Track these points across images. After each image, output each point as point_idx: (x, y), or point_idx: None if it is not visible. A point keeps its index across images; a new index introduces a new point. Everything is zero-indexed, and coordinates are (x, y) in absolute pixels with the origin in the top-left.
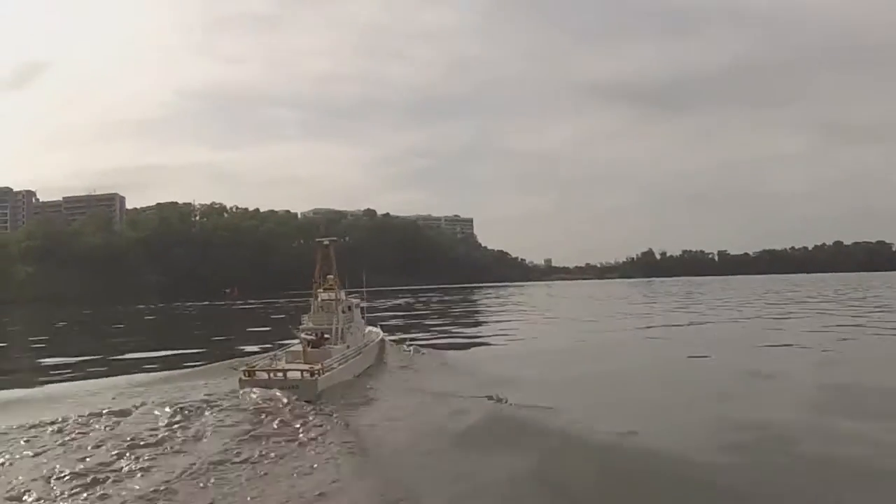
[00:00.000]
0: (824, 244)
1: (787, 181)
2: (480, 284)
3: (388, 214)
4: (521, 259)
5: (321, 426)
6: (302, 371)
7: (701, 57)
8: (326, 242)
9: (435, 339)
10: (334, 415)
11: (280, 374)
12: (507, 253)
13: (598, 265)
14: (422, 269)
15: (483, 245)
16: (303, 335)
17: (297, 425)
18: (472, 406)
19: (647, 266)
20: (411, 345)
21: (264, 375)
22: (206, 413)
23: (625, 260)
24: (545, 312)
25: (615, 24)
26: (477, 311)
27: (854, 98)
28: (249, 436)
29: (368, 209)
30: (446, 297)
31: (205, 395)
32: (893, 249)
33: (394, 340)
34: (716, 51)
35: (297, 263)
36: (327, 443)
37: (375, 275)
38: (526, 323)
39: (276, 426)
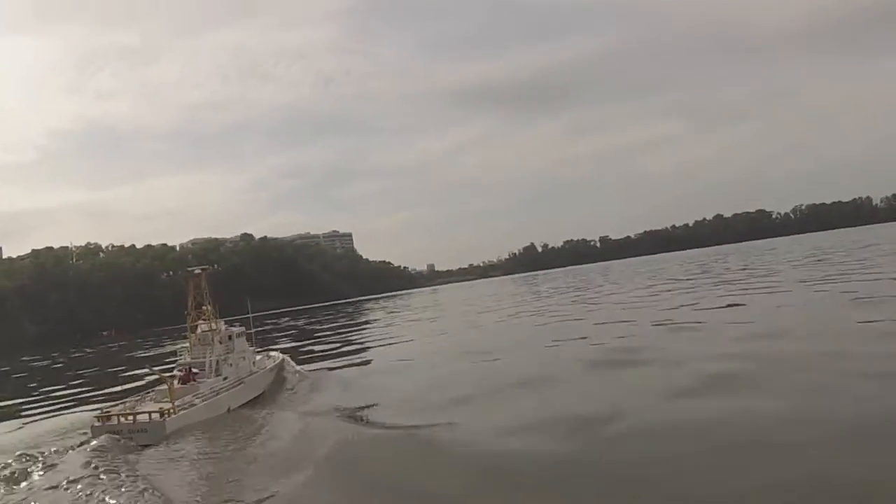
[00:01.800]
0: (704, 219)
1: (662, 164)
2: (367, 297)
3: (265, 238)
4: (405, 267)
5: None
6: (150, 413)
7: (563, 55)
8: (197, 271)
9: (323, 359)
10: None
11: (130, 418)
12: (389, 263)
13: (481, 264)
14: (305, 288)
15: (365, 258)
16: (176, 370)
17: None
18: (327, 432)
19: (530, 260)
20: (297, 371)
21: (124, 420)
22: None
23: (507, 257)
24: (429, 320)
25: (476, 31)
26: (359, 327)
27: (716, 80)
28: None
29: (245, 234)
30: (328, 315)
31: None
32: (773, 216)
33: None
34: (577, 48)
35: (176, 297)
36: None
37: (257, 300)
38: (407, 332)
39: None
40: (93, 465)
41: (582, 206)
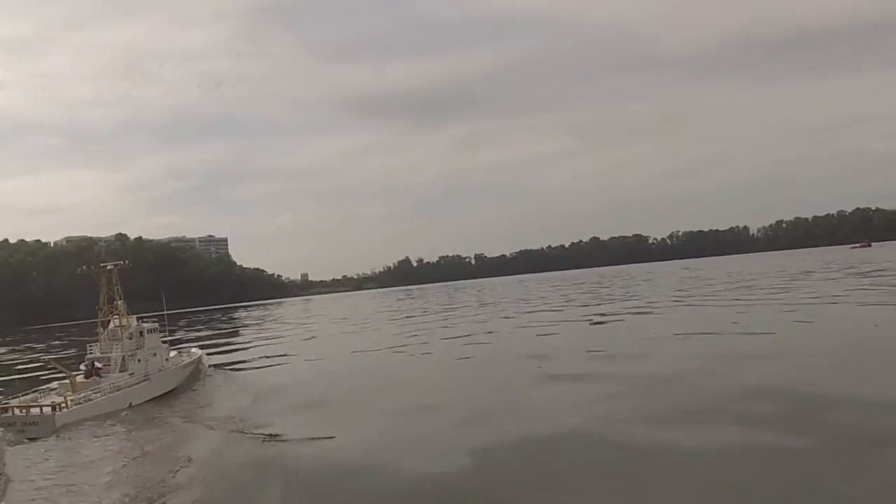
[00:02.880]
0: (581, 241)
1: (544, 183)
2: (238, 304)
3: (140, 238)
4: (278, 276)
5: None
6: (41, 406)
7: (460, 68)
8: (110, 267)
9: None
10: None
11: (22, 411)
12: (263, 270)
13: (356, 276)
14: (178, 292)
15: (239, 264)
16: (81, 365)
17: None
18: (209, 434)
19: (405, 274)
20: (210, 368)
21: (18, 412)
22: None
23: (381, 269)
24: (298, 330)
25: (374, 39)
26: (229, 334)
27: (607, 101)
28: None
29: (120, 234)
30: (198, 323)
31: None
32: (650, 241)
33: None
34: (476, 61)
35: (50, 296)
36: None
37: (130, 302)
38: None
39: None
40: None
41: (464, 221)
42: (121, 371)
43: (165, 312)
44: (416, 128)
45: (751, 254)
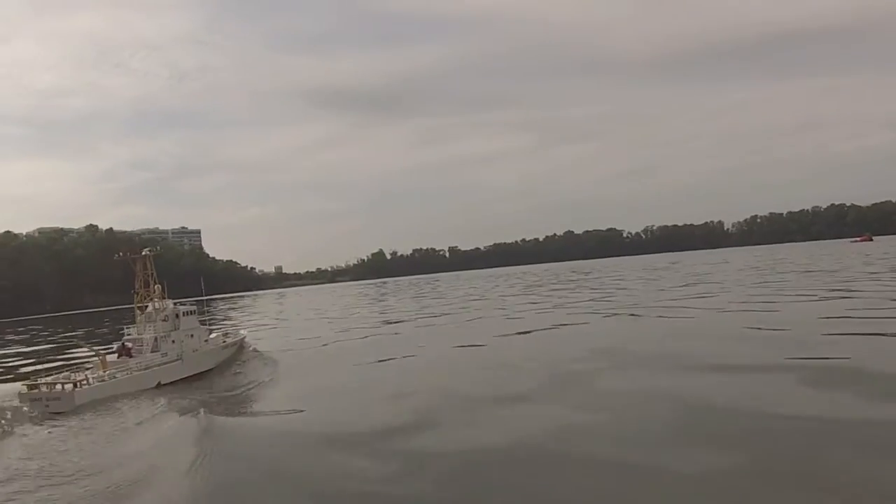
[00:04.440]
0: (555, 234)
1: (508, 177)
2: (212, 297)
3: (111, 230)
4: (252, 268)
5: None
6: (63, 383)
7: (419, 61)
8: (145, 253)
9: None
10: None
11: (48, 388)
12: (236, 262)
13: (329, 269)
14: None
15: (212, 256)
16: (115, 346)
17: None
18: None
19: (379, 266)
20: (254, 350)
21: (45, 389)
22: None
23: (356, 262)
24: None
25: (333, 32)
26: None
27: (565, 100)
28: None
29: (91, 225)
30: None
31: None
32: (624, 235)
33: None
34: (433, 56)
35: (21, 287)
36: None
37: (99, 294)
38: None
39: None
40: None
41: (430, 213)
42: (152, 351)
43: (203, 298)
44: (377, 120)
45: (731, 248)
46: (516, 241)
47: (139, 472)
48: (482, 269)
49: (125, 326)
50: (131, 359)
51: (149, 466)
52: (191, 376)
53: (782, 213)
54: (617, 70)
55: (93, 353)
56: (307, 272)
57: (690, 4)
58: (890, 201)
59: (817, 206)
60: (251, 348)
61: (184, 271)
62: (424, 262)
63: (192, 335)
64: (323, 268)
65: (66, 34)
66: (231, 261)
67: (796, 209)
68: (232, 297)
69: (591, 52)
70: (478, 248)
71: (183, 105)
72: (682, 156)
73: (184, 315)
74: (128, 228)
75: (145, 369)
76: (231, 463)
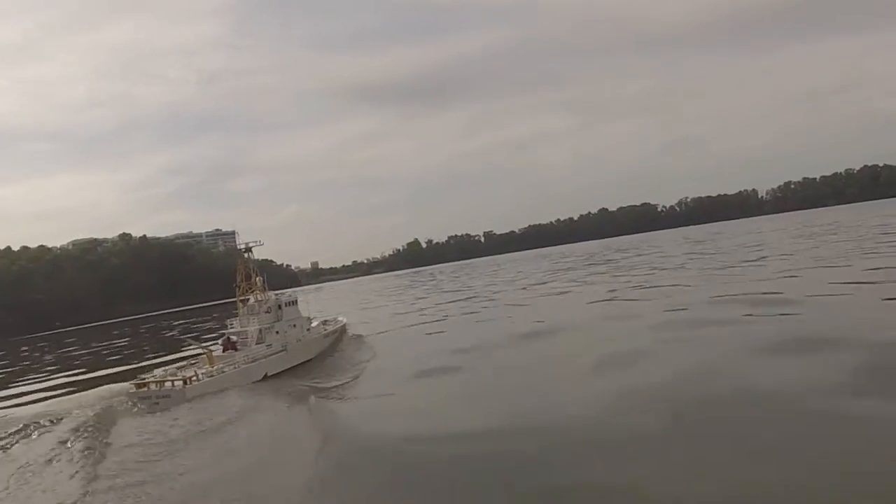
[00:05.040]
0: (589, 213)
1: (552, 158)
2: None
3: (144, 237)
4: (288, 265)
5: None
6: (174, 381)
7: (458, 51)
8: (243, 247)
9: None
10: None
11: (157, 386)
12: (271, 261)
13: (366, 261)
14: (187, 289)
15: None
16: (220, 341)
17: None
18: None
19: (414, 255)
20: (353, 336)
21: (153, 387)
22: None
23: (391, 253)
24: None
25: (365, 26)
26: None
27: (604, 77)
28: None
29: (124, 234)
30: (198, 319)
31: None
32: (659, 209)
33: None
34: (472, 44)
35: (55, 300)
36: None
37: (136, 302)
38: None
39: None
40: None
41: (471, 201)
42: (257, 343)
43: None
44: (415, 113)
45: (771, 215)
46: (551, 222)
47: (257, 462)
48: (517, 251)
49: (228, 320)
50: (237, 352)
51: (265, 455)
52: (296, 366)
53: (815, 178)
54: (658, 43)
55: (200, 350)
56: (343, 266)
57: None
58: None
59: (850, 169)
60: (352, 334)
61: (219, 272)
62: (460, 249)
63: (294, 325)
64: (359, 261)
65: (94, 47)
66: (266, 260)
67: (829, 173)
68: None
69: (632, 28)
70: (513, 231)
71: (216, 109)
72: (720, 128)
73: (286, 306)
74: (163, 234)
75: (252, 362)
76: (342, 446)
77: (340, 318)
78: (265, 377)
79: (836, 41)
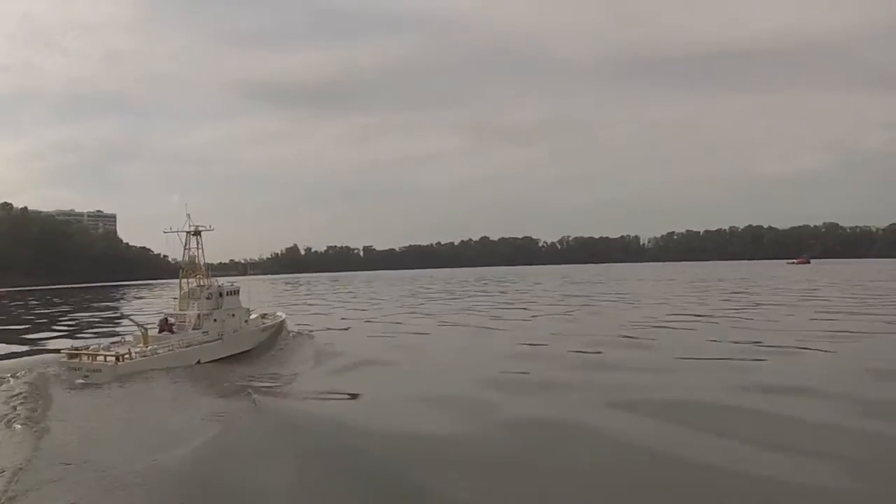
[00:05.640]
0: (471, 239)
1: (437, 179)
2: (122, 283)
3: (25, 209)
4: (165, 256)
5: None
6: (106, 356)
7: (358, 60)
8: (192, 230)
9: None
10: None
11: (89, 359)
12: (149, 250)
13: (242, 262)
14: (63, 268)
15: (126, 242)
16: (160, 320)
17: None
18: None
19: (292, 262)
20: (292, 332)
21: (85, 359)
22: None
23: (269, 256)
24: None
25: (272, 26)
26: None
27: (503, 103)
28: None
29: (5, 203)
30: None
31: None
32: (540, 244)
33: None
34: (373, 54)
35: None
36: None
37: (10, 275)
38: None
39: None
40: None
41: (355, 213)
42: (194, 329)
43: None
44: (309, 116)
45: (647, 263)
46: (432, 244)
47: (173, 446)
48: (395, 269)
49: (172, 300)
50: (173, 335)
51: (181, 444)
52: (231, 356)
53: (699, 231)
54: (557, 77)
55: (136, 327)
56: (220, 263)
57: (631, 14)
58: (807, 225)
59: (734, 226)
60: (291, 331)
61: (96, 254)
62: (338, 260)
63: (233, 315)
64: (236, 259)
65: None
66: (144, 248)
67: (713, 228)
68: (146, 284)
69: (534, 58)
70: (392, 249)
71: (114, 91)
72: (613, 168)
73: (227, 294)
74: (45, 210)
75: (187, 346)
76: (265, 437)
77: (279, 314)
78: (197, 363)
79: (728, 99)
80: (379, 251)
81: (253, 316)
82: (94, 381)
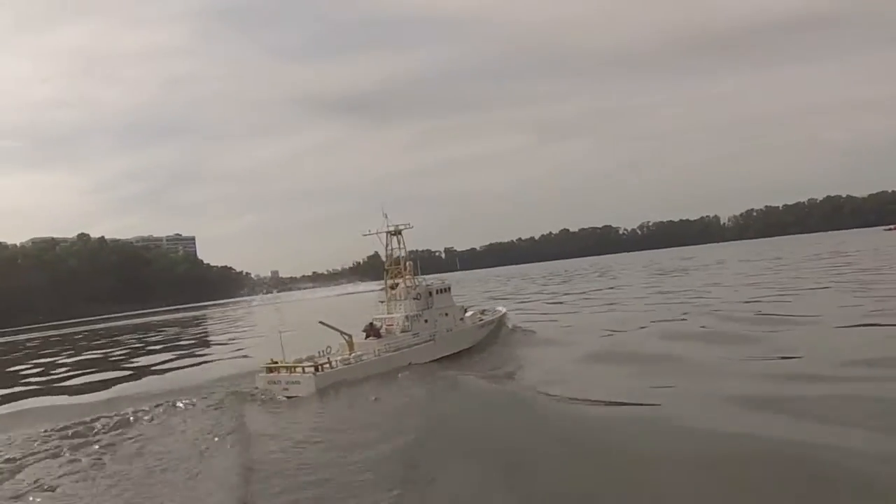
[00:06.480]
0: (551, 233)
1: (504, 177)
2: (207, 304)
3: (103, 238)
4: (247, 273)
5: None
6: (305, 367)
7: (409, 67)
8: (392, 229)
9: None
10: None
11: (288, 371)
12: (231, 268)
13: (326, 272)
14: (144, 292)
15: (206, 262)
16: (366, 325)
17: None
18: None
19: (376, 269)
20: (513, 327)
21: (284, 372)
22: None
23: (352, 265)
24: None
25: (321, 40)
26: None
27: (557, 99)
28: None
29: (82, 234)
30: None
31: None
32: (620, 232)
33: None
34: (424, 60)
35: (20, 295)
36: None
37: (93, 303)
38: None
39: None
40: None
41: (427, 218)
42: (403, 332)
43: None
44: (370, 125)
45: (730, 242)
46: (512, 241)
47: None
48: (478, 269)
49: (378, 304)
50: (379, 339)
51: (380, 446)
52: (446, 356)
53: (778, 206)
54: (607, 66)
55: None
56: (303, 276)
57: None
58: (886, 191)
59: (813, 198)
60: (511, 326)
61: (178, 277)
62: (420, 264)
63: (446, 314)
64: (319, 271)
65: (54, 48)
66: (226, 266)
67: (791, 202)
68: (237, 301)
69: (579, 50)
70: (473, 249)
71: (175, 115)
72: (675, 148)
73: (437, 293)
74: (121, 237)
75: (394, 351)
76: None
77: (499, 308)
78: (409, 366)
79: (782, 72)
80: (459, 251)
81: (469, 313)
82: (292, 393)
